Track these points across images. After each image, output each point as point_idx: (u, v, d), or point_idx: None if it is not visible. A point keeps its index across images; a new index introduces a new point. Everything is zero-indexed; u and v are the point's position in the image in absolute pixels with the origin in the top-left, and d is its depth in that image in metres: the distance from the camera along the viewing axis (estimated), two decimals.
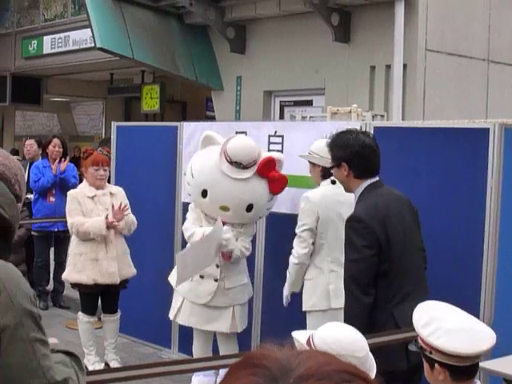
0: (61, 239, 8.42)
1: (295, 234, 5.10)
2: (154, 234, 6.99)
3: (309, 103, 10.31)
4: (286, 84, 10.23)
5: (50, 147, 8.47)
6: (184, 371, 4.22)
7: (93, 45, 10.76)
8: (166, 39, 11.06)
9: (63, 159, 8.44)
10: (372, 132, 5.09)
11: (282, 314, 5.71)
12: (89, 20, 10.39)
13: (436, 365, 2.69)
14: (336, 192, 4.97)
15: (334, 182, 4.89)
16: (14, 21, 15.39)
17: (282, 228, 5.64)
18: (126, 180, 7.03)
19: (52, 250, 8.78)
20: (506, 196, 4.77)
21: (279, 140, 5.95)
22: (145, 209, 6.76)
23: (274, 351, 0.98)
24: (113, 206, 6.09)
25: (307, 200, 5.03)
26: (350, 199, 4.29)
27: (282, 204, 5.65)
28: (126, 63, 11.71)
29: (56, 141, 8.55)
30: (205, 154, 5.41)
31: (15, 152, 12.83)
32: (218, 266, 5.43)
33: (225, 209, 5.29)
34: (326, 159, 4.96)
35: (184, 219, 5.82)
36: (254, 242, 5.82)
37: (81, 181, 6.95)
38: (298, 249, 5.05)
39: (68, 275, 6.27)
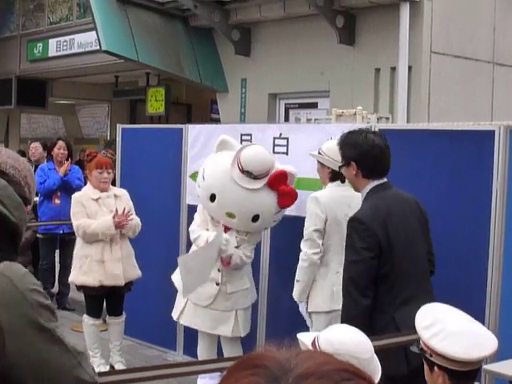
0: (66, 241, 8.45)
1: (301, 236, 5.07)
2: (159, 236, 6.99)
3: (314, 105, 10.31)
4: (291, 86, 10.23)
5: (55, 150, 8.50)
6: (189, 373, 4.23)
7: (98, 47, 10.78)
8: (171, 42, 11.08)
9: (65, 161, 8.47)
10: None
11: (287, 318, 5.71)
12: (94, 23, 10.42)
13: (435, 367, 2.67)
14: (343, 194, 4.97)
15: (343, 181, 4.87)
16: (20, 24, 15.43)
17: (287, 230, 5.63)
18: (131, 182, 7.04)
19: (57, 252, 8.80)
20: (511, 198, 4.76)
21: (284, 142, 5.95)
22: (150, 211, 6.76)
23: (274, 351, 0.99)
24: (116, 211, 6.09)
25: (316, 201, 4.97)
26: (358, 202, 4.29)
27: None
28: (130, 66, 11.72)
29: (61, 143, 8.57)
30: (218, 158, 5.36)
31: (22, 154, 12.83)
32: (219, 270, 5.42)
33: (231, 215, 5.27)
34: (335, 162, 4.95)
35: (189, 221, 5.83)
36: (258, 244, 5.80)
37: (86, 183, 6.96)
38: (308, 250, 4.95)
39: (74, 277, 6.28)
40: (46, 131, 18.21)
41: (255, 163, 5.11)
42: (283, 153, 5.91)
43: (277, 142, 6.00)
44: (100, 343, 6.36)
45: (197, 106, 15.71)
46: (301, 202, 5.26)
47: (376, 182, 4.11)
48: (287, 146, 5.93)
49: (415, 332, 2.77)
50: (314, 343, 2.56)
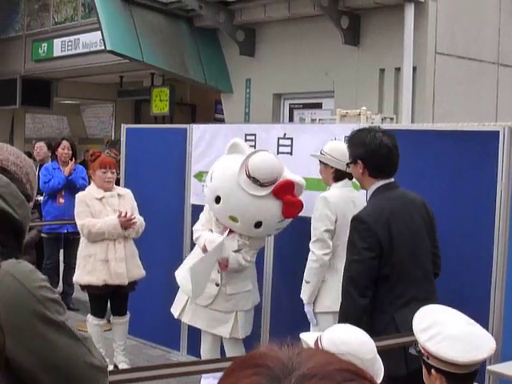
0: (70, 241, 8.46)
1: (306, 237, 5.05)
2: (163, 236, 7.00)
3: (318, 106, 10.31)
4: (296, 87, 10.23)
5: (60, 149, 8.52)
6: (192, 373, 4.22)
7: (103, 48, 10.79)
8: (175, 42, 11.09)
9: (70, 161, 8.50)
10: None
11: (291, 319, 5.70)
12: (99, 23, 10.43)
13: (433, 370, 2.66)
14: (349, 195, 4.97)
15: (351, 178, 4.85)
16: (25, 24, 15.45)
17: (291, 230, 5.62)
18: (136, 182, 7.05)
19: (61, 252, 8.82)
20: None
21: (288, 142, 5.95)
22: (154, 210, 6.77)
23: (275, 350, 0.98)
24: (119, 214, 6.09)
25: (326, 201, 4.93)
26: (363, 202, 4.28)
27: None
28: (135, 66, 11.73)
29: (65, 143, 8.59)
30: (228, 160, 5.34)
31: (28, 155, 12.85)
32: (218, 272, 5.42)
33: (234, 219, 5.27)
34: (337, 161, 4.94)
35: (193, 221, 5.85)
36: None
37: (89, 183, 6.97)
38: (319, 251, 4.89)
39: (78, 277, 6.28)
40: (50, 131, 18.24)
41: (263, 170, 5.08)
42: (287, 153, 5.91)
43: (281, 142, 5.99)
44: (104, 343, 6.35)
45: (201, 107, 15.72)
46: (305, 202, 5.25)
47: (382, 182, 4.09)
48: (291, 146, 5.92)
49: (413, 334, 2.77)
50: (316, 343, 2.56)
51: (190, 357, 6.61)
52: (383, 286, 3.95)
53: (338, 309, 4.87)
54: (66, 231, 8.39)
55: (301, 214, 5.33)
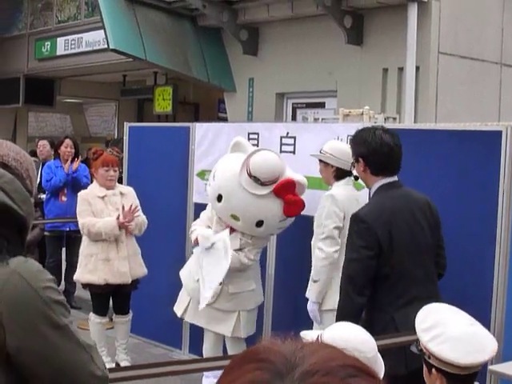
0: (72, 239, 8.46)
1: (309, 235, 5.05)
2: (166, 235, 7.00)
3: (321, 105, 10.31)
4: (299, 86, 10.23)
5: (62, 148, 8.54)
6: (193, 371, 4.23)
7: (106, 46, 10.79)
8: (179, 41, 11.08)
9: (75, 159, 8.52)
10: None
11: (293, 318, 5.70)
12: (102, 22, 10.43)
13: (433, 370, 2.65)
14: (354, 193, 4.98)
15: (356, 178, 4.84)
16: (28, 22, 15.45)
17: (293, 230, 5.62)
18: (138, 180, 7.05)
19: (63, 250, 8.82)
20: None
21: (291, 141, 5.95)
22: (157, 209, 6.77)
23: (278, 345, 0.97)
24: (123, 208, 6.10)
25: (333, 198, 4.93)
26: (364, 200, 4.27)
27: None
28: (138, 65, 11.74)
29: (68, 141, 8.62)
30: (231, 159, 5.35)
31: (33, 154, 12.87)
32: None
33: (235, 218, 5.27)
34: (337, 159, 4.94)
35: (195, 220, 5.85)
36: None
37: (92, 181, 6.98)
38: (329, 249, 4.88)
39: (79, 276, 6.29)
40: (53, 130, 18.25)
41: (263, 169, 5.09)
42: (290, 152, 5.91)
43: (284, 141, 6.00)
44: (106, 341, 6.36)
45: (204, 106, 15.72)
46: (307, 201, 5.25)
47: (385, 180, 4.08)
48: (294, 145, 5.93)
49: (415, 333, 2.76)
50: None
51: (192, 355, 6.61)
52: (382, 286, 3.94)
53: None
54: (68, 229, 8.40)
55: (303, 213, 5.33)
